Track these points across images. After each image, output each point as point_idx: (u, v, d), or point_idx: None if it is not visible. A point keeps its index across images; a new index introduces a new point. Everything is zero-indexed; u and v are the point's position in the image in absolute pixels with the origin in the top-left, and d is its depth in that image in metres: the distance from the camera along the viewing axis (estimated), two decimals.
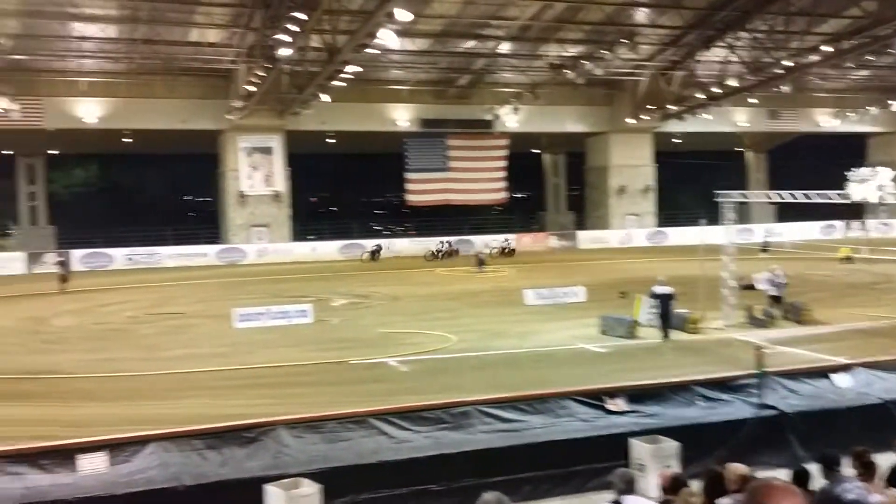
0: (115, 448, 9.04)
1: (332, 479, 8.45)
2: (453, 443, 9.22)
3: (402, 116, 46.79)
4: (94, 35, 35.93)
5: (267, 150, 44.16)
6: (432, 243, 43.27)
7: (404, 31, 29.66)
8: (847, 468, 6.49)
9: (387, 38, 27.63)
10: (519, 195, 57.22)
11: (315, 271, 37.15)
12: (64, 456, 8.93)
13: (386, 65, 41.40)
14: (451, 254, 41.99)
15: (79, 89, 40.39)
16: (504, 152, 48.88)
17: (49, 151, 46.39)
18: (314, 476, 8.42)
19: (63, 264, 32.39)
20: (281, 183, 44.66)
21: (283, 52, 30.36)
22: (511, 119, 47.33)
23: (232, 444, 8.92)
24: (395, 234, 52.30)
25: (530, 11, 36.75)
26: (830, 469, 6.25)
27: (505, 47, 41.03)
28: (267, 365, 17.11)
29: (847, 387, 11.11)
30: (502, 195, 50.01)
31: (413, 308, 25.60)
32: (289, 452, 8.97)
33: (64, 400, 14.74)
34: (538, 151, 56.91)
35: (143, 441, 9.05)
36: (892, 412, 10.49)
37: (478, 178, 48.71)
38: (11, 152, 45.23)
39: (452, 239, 43.65)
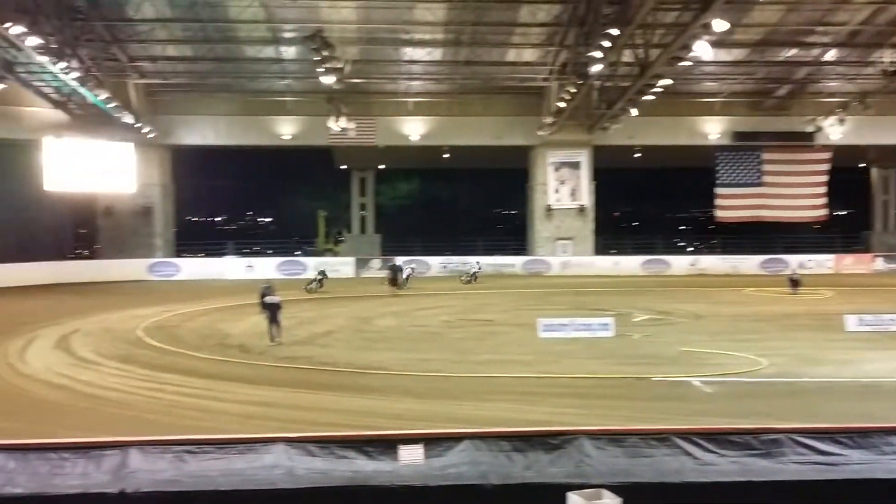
0: (431, 442, 9.56)
1: (633, 494, 8.47)
2: (762, 471, 8.83)
3: (713, 129, 45.31)
4: (422, 59, 38.99)
5: (574, 165, 44.99)
6: (740, 262, 41.12)
7: (719, 42, 28.81)
8: None
9: (701, 49, 27.04)
10: (840, 213, 52.84)
11: (617, 285, 37.12)
12: (386, 445, 9.50)
13: (698, 77, 40.50)
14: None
15: (406, 109, 43.93)
16: (826, 166, 45.53)
17: (379, 166, 50.79)
18: (614, 489, 8.50)
19: (394, 269, 34.97)
20: (586, 197, 45.24)
21: (595, 67, 30.79)
22: (835, 131, 43.89)
23: (537, 449, 9.24)
24: (698, 251, 50.74)
25: (862, 15, 34.10)
26: None
27: (831, 54, 38.32)
28: (570, 375, 17.48)
29: None
30: (822, 212, 46.58)
31: (717, 327, 24.69)
32: (590, 463, 9.09)
33: (385, 394, 16.02)
34: (864, 165, 52.11)
35: (456, 438, 9.55)
36: None
37: (795, 194, 45.79)
38: (347, 167, 50.18)
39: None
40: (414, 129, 44.32)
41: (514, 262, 44.73)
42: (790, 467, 8.87)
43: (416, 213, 59.21)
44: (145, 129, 40.74)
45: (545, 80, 40.59)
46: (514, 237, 49.56)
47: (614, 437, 9.33)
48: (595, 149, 44.56)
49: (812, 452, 8.98)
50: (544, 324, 22.49)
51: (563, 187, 45.27)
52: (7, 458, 9.06)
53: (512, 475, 9.05)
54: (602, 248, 46.61)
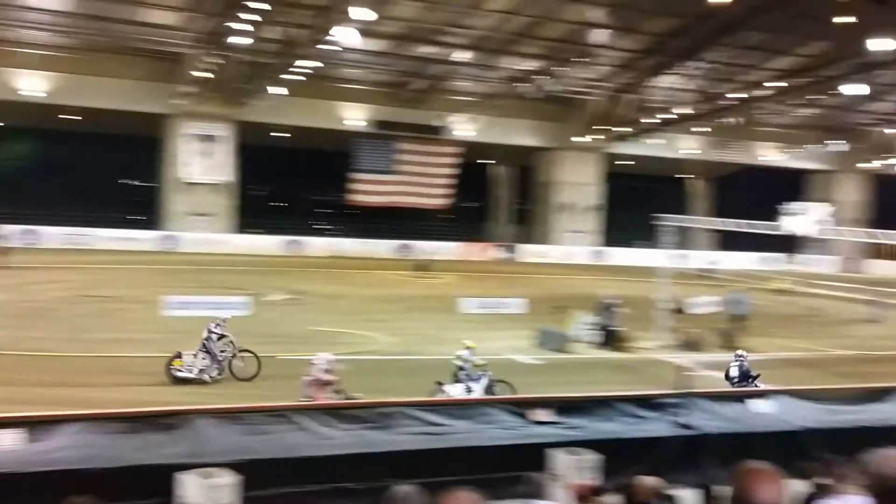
0: (36, 426, 8.74)
1: (251, 471, 8.32)
2: (376, 442, 9.11)
3: (355, 116, 46.54)
4: (38, 6, 34.86)
5: (214, 139, 43.35)
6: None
7: (364, 31, 29.55)
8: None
9: (344, 35, 27.57)
10: (469, 204, 57.23)
11: (256, 265, 36.67)
12: None
13: (344, 62, 41.05)
14: None
15: (19, 60, 39.07)
16: (453, 160, 48.90)
17: None
18: (233, 467, 8.28)
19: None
20: (227, 173, 43.94)
21: (237, 39, 30.01)
22: (464, 128, 47.46)
23: (148, 430, 8.74)
24: (337, 234, 51.94)
25: (489, 22, 36.95)
26: None
27: (463, 56, 41.06)
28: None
29: (766, 412, 11.32)
30: (446, 201, 49.91)
31: (350, 308, 25.48)
32: (207, 442, 8.78)
33: None
34: (493, 162, 57.05)
35: (59, 420, 8.79)
36: (808, 440, 10.73)
37: (424, 183, 48.77)
38: None
39: None
40: (30, 84, 39.55)
41: (142, 235, 42.18)
42: (402, 438, 9.28)
43: (36, 178, 53.31)
44: None
45: (187, 46, 38.09)
46: (145, 210, 46.85)
47: (232, 415, 9.10)
48: (239, 124, 43.33)
49: (422, 424, 9.48)
50: (172, 301, 21.52)
51: (202, 161, 43.37)
52: None
53: (121, 457, 8.51)
54: (243, 226, 45.52)
